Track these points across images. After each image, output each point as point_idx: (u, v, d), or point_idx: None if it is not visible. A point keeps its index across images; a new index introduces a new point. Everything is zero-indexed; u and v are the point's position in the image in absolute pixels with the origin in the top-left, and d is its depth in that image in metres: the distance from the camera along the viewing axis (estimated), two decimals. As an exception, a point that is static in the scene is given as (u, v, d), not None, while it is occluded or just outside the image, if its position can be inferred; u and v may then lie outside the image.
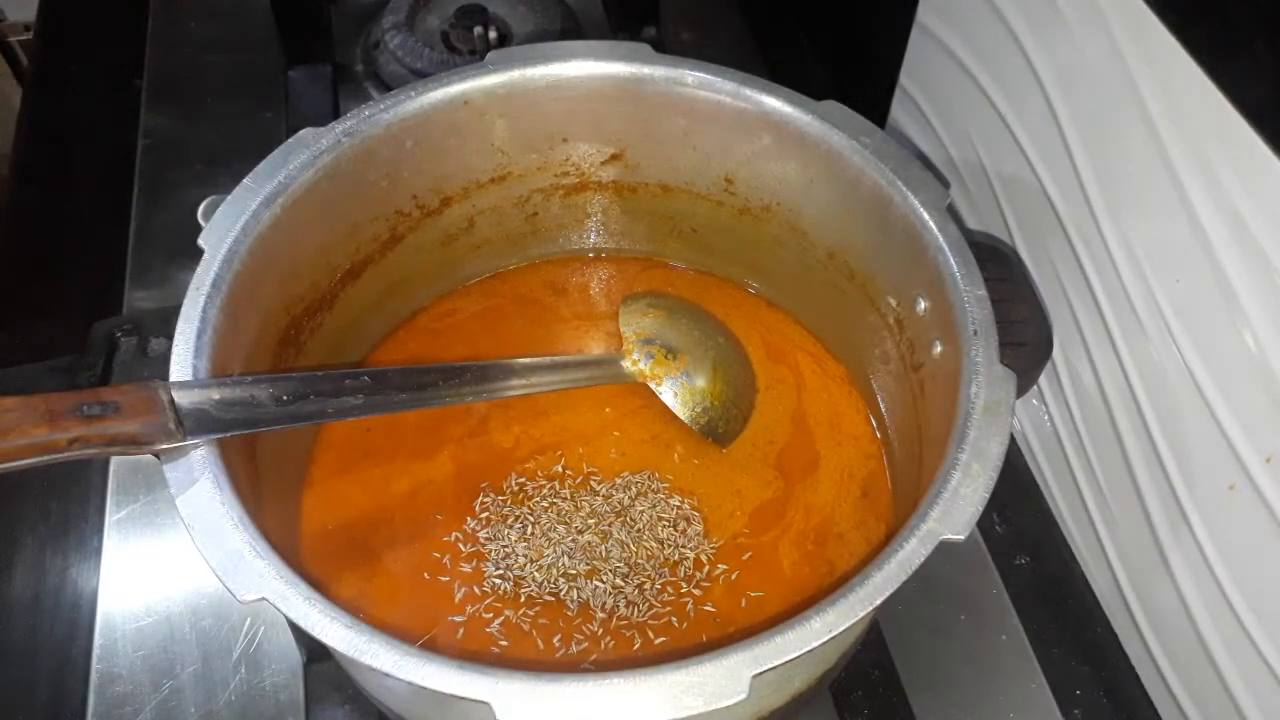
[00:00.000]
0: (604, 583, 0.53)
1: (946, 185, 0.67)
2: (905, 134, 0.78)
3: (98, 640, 0.58)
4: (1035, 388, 0.66)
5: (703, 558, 0.55)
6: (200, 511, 0.40)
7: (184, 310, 0.45)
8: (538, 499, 0.57)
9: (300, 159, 0.51)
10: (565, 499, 0.57)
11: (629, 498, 0.57)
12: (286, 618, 0.38)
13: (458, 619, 0.53)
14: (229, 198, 0.49)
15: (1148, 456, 0.55)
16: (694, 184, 0.62)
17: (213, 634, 0.58)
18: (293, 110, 0.84)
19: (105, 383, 0.49)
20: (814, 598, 0.39)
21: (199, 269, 0.47)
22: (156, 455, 0.41)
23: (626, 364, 0.61)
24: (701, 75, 0.56)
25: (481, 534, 0.55)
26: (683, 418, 0.60)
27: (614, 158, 0.62)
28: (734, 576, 0.55)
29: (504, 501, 0.57)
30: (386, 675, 0.36)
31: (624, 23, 0.89)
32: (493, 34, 0.85)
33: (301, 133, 0.52)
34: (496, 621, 0.53)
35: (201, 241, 0.48)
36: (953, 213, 0.54)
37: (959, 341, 0.47)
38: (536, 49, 0.57)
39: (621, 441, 0.60)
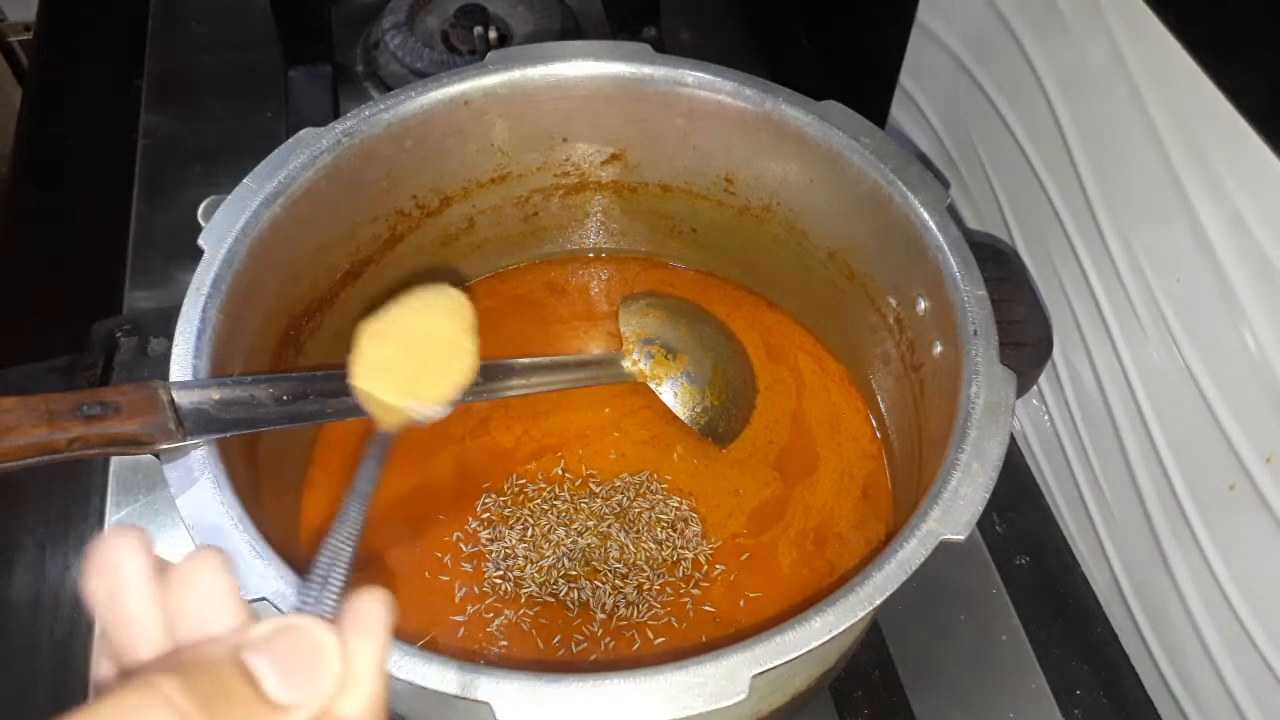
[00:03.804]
0: (604, 583, 0.54)
1: (946, 185, 0.67)
2: (905, 134, 0.78)
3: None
4: (1035, 388, 0.66)
5: (701, 558, 0.55)
6: (200, 511, 0.40)
7: (184, 310, 0.45)
8: (538, 501, 0.57)
9: (300, 159, 0.51)
10: (565, 501, 0.57)
11: (628, 499, 0.57)
12: (286, 618, 0.37)
13: (458, 619, 0.53)
14: (229, 198, 0.49)
15: (1148, 456, 0.55)
16: (694, 184, 0.62)
17: (213, 634, 0.58)
18: (293, 110, 0.84)
19: (105, 383, 0.49)
20: (814, 598, 0.39)
21: (199, 269, 0.47)
22: (156, 455, 0.41)
23: (626, 364, 0.61)
24: (701, 75, 0.56)
25: (483, 534, 0.55)
26: (682, 418, 0.60)
27: (614, 158, 0.62)
28: (733, 577, 0.55)
29: (505, 502, 0.57)
30: (387, 675, 0.36)
31: (624, 23, 0.89)
32: (493, 34, 0.85)
33: (301, 133, 0.52)
34: (497, 621, 0.53)
35: (201, 241, 0.48)
36: (952, 213, 0.54)
37: (959, 341, 0.47)
38: (536, 49, 0.57)
39: (621, 442, 0.60)
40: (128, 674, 0.25)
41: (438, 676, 0.36)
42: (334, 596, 0.28)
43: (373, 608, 0.27)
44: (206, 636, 0.25)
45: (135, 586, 0.25)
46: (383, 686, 0.26)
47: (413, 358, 0.42)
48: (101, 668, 0.27)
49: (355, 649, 0.25)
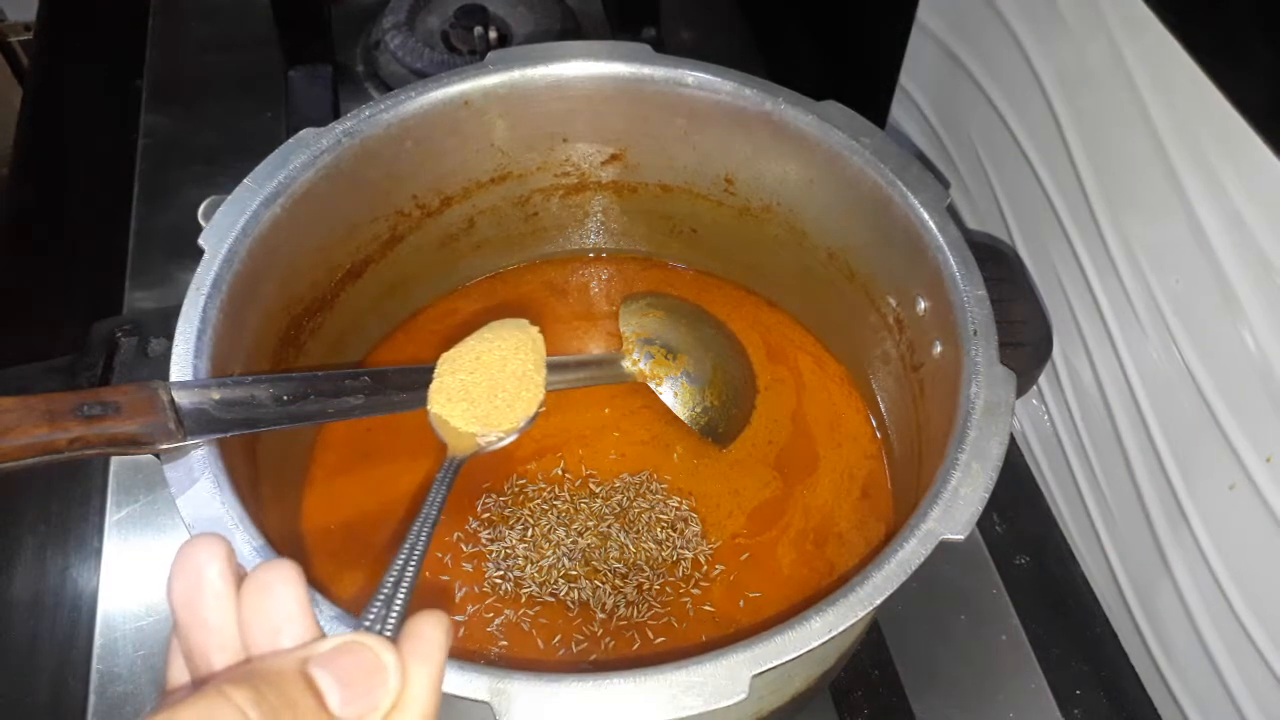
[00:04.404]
0: (604, 583, 0.54)
1: (946, 185, 0.67)
2: (905, 134, 0.78)
3: (98, 640, 0.58)
4: (1035, 388, 0.66)
5: (701, 558, 0.55)
6: (200, 511, 0.40)
7: (184, 310, 0.45)
8: (538, 501, 0.57)
9: (300, 159, 0.51)
10: (565, 501, 0.57)
11: (628, 499, 0.57)
12: (287, 618, 0.37)
13: (459, 619, 0.53)
14: (229, 198, 0.49)
15: (1147, 456, 0.55)
16: (694, 184, 0.62)
17: (213, 634, 0.58)
18: (293, 110, 0.84)
19: (105, 383, 0.49)
20: (814, 598, 0.39)
21: (199, 269, 0.47)
22: (157, 455, 0.41)
23: (626, 364, 0.61)
24: (701, 75, 0.56)
25: (483, 534, 0.55)
26: (682, 418, 0.60)
27: (614, 158, 0.62)
28: (733, 577, 0.55)
29: (505, 502, 0.57)
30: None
31: (624, 23, 0.89)
32: (493, 34, 0.85)
33: (301, 133, 0.52)
34: (497, 621, 0.53)
35: (202, 241, 0.48)
36: (952, 213, 0.54)
37: (959, 342, 0.47)
38: (536, 49, 0.57)
39: (621, 442, 0.60)
40: (201, 680, 0.27)
41: (438, 676, 0.36)
42: (396, 616, 0.30)
43: (433, 631, 0.28)
44: (277, 647, 0.26)
45: (214, 592, 0.27)
46: (436, 706, 0.27)
47: (485, 388, 0.45)
48: (175, 669, 0.28)
49: (413, 669, 0.27)
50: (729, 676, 0.36)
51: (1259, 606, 0.49)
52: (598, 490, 0.57)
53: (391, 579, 0.32)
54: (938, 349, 0.51)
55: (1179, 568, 0.54)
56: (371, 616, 0.30)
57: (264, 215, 0.49)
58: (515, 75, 0.56)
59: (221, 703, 0.23)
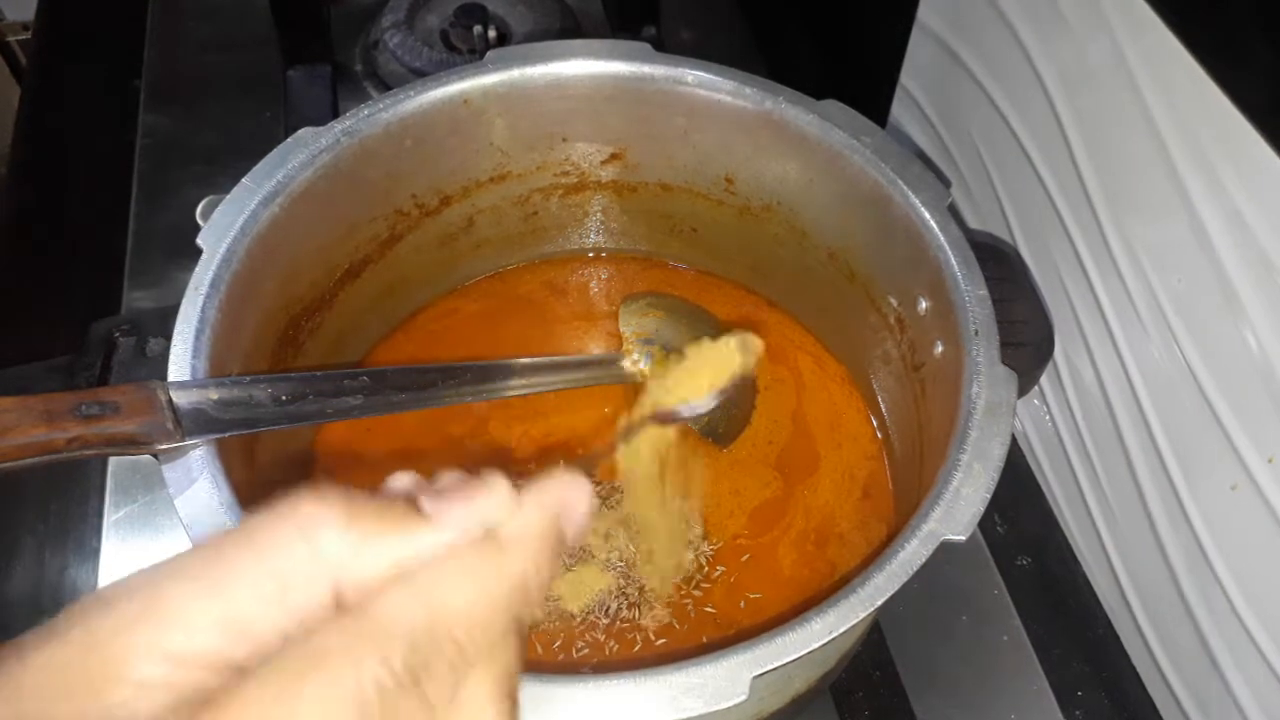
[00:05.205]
0: (604, 584, 0.53)
1: (947, 185, 0.66)
2: (905, 133, 0.78)
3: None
4: (1036, 388, 0.66)
5: (702, 559, 0.55)
6: (199, 512, 0.40)
7: (182, 310, 0.45)
8: (538, 500, 0.56)
9: (299, 158, 0.51)
10: (565, 499, 0.56)
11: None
12: (285, 619, 0.37)
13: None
14: (228, 197, 0.49)
15: (1149, 456, 0.55)
16: (694, 183, 0.62)
17: (212, 635, 0.58)
18: (292, 110, 0.84)
19: (104, 383, 0.49)
20: (815, 599, 0.39)
21: (197, 269, 0.47)
22: (155, 455, 0.41)
23: (626, 364, 0.61)
24: (701, 75, 0.56)
25: (481, 534, 0.55)
26: (683, 418, 0.60)
27: (614, 157, 0.62)
28: (733, 578, 0.55)
29: (504, 502, 0.57)
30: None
31: (624, 22, 0.89)
32: (492, 33, 0.84)
33: (300, 132, 0.52)
34: (496, 622, 0.52)
35: (200, 241, 0.48)
36: (953, 212, 0.54)
37: (960, 342, 0.47)
38: (536, 48, 0.56)
39: (621, 442, 0.60)
40: None
41: (437, 678, 0.36)
42: None
43: (564, 474, 0.27)
44: None
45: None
46: (550, 536, 0.26)
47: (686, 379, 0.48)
48: None
49: (531, 496, 0.26)
50: (729, 678, 0.36)
51: (1261, 607, 0.49)
52: (598, 490, 0.57)
53: None
54: (939, 349, 0.51)
55: (1180, 568, 0.54)
56: None
57: (262, 215, 0.49)
58: (515, 74, 0.56)
59: (318, 498, 0.25)
